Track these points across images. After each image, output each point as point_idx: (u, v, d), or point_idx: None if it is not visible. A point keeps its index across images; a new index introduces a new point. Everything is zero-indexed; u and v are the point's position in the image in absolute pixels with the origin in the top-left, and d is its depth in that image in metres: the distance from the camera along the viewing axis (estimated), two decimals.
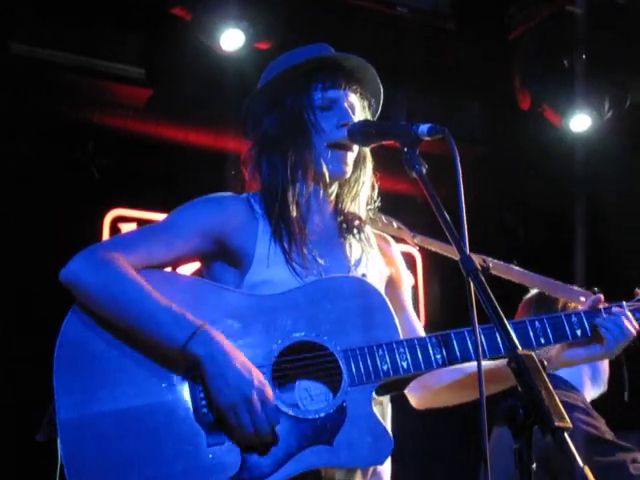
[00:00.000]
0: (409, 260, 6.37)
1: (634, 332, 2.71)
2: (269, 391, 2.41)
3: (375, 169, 2.83)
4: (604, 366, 3.88)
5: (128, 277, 2.49)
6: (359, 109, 2.75)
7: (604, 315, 2.72)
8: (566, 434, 1.80)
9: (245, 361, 2.43)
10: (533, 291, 3.80)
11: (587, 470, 1.75)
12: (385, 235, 2.92)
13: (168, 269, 2.72)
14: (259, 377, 2.42)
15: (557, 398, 1.85)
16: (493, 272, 2.85)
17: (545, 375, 1.88)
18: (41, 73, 5.30)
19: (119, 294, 2.47)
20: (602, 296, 2.82)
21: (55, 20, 5.20)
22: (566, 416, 1.82)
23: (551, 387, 1.87)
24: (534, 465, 1.87)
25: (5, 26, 5.07)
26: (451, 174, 2.23)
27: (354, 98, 2.75)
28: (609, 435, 3.63)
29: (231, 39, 5.05)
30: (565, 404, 3.52)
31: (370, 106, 2.81)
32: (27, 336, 4.80)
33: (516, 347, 1.93)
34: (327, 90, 2.72)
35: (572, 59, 5.58)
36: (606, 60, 5.64)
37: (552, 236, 6.42)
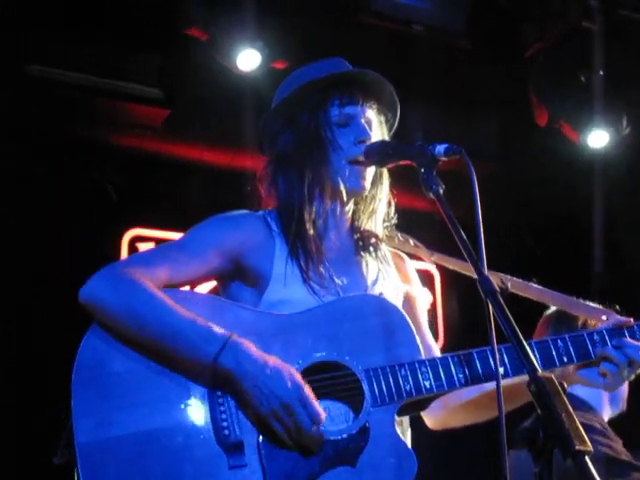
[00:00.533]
0: (427, 277, 6.36)
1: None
2: (307, 390, 2.40)
3: (392, 186, 2.83)
4: (624, 387, 3.85)
5: (150, 293, 2.47)
6: (376, 125, 2.74)
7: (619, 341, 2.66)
8: (587, 457, 1.78)
9: (277, 364, 2.41)
10: (552, 308, 3.78)
11: None
12: (400, 253, 2.91)
13: (186, 288, 2.72)
14: (295, 378, 2.40)
15: (577, 421, 1.83)
16: (512, 290, 2.83)
17: (565, 398, 1.87)
18: (58, 94, 5.32)
19: (142, 311, 2.45)
20: (632, 320, 2.78)
21: (72, 41, 5.23)
22: (587, 439, 1.80)
23: (571, 410, 1.85)
24: None
25: (22, 48, 5.10)
26: (468, 191, 2.23)
27: (371, 114, 2.74)
28: (625, 456, 3.60)
29: (247, 59, 5.06)
30: (582, 425, 3.51)
31: (387, 121, 2.80)
32: (45, 361, 4.80)
33: (536, 369, 1.92)
34: (344, 106, 2.71)
35: (589, 75, 5.56)
36: (623, 76, 5.62)
37: (570, 252, 6.39)
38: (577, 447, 1.79)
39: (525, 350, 1.95)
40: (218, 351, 2.39)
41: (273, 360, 2.42)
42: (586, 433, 3.46)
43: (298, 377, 2.41)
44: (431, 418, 2.80)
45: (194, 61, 5.30)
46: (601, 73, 5.54)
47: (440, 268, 6.40)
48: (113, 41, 5.26)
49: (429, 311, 6.65)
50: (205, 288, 4.16)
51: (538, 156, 6.23)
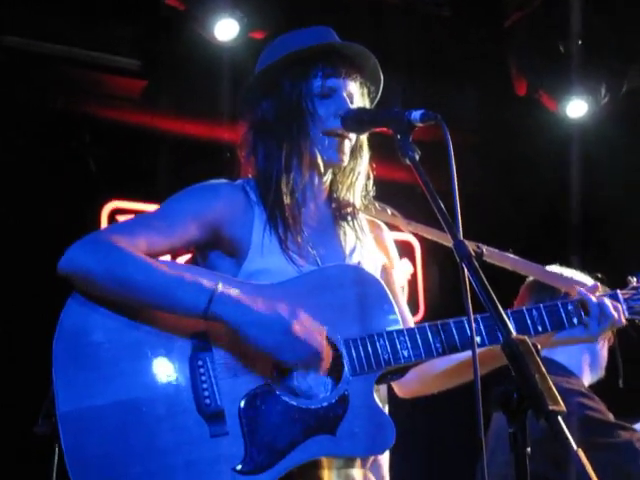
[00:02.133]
0: (407, 248, 6.37)
1: (616, 317, 2.71)
2: (302, 313, 2.43)
3: (372, 158, 2.82)
4: (603, 353, 3.89)
5: (133, 256, 2.47)
6: (358, 98, 2.74)
7: (585, 298, 2.73)
8: (560, 418, 1.80)
9: (268, 302, 2.43)
10: (532, 278, 3.80)
11: (581, 453, 1.75)
12: (378, 222, 2.91)
13: (167, 258, 2.71)
14: (284, 307, 2.43)
15: (551, 382, 1.84)
16: (488, 260, 2.84)
17: (539, 359, 1.88)
18: (36, 65, 5.29)
19: (128, 273, 2.44)
20: (598, 284, 2.82)
21: (49, 12, 5.19)
22: (560, 400, 1.82)
23: (545, 371, 1.86)
24: (529, 449, 1.88)
25: None
26: (447, 162, 2.23)
27: (353, 87, 2.73)
28: (611, 417, 3.64)
29: (225, 29, 5.04)
30: (566, 390, 3.56)
31: (369, 94, 2.80)
32: (22, 329, 4.79)
33: (510, 332, 1.93)
34: (327, 78, 2.69)
35: (568, 45, 5.56)
36: (602, 46, 5.62)
37: (548, 222, 6.42)
38: (550, 407, 1.79)
39: (499, 312, 1.96)
40: (209, 300, 2.40)
41: (261, 300, 2.44)
42: (570, 397, 3.55)
43: (286, 305, 2.44)
44: (402, 387, 2.82)
45: (172, 32, 5.27)
46: (580, 43, 5.54)
47: (420, 239, 6.46)
48: (90, 12, 5.21)
49: (409, 282, 6.71)
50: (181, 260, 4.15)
51: (517, 126, 6.24)
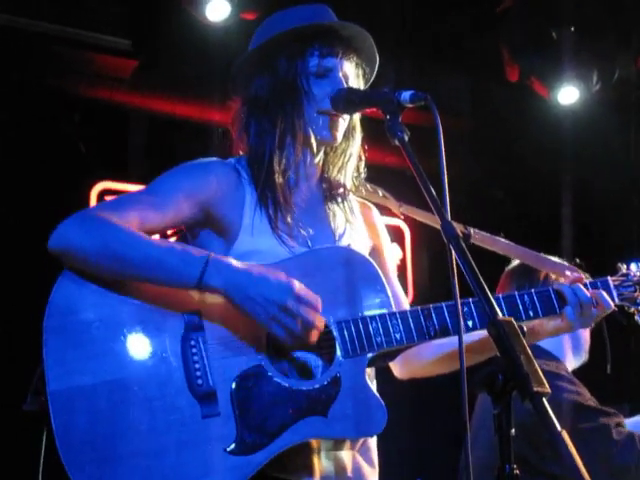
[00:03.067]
0: (397, 233, 6.37)
1: (594, 300, 2.68)
2: (297, 284, 2.41)
3: (364, 141, 2.81)
4: (585, 336, 3.91)
5: (125, 230, 2.45)
6: (353, 78, 2.72)
7: (569, 287, 2.69)
8: (544, 400, 1.80)
9: (261, 270, 2.42)
10: (515, 262, 3.81)
11: (565, 435, 1.75)
12: (368, 203, 2.91)
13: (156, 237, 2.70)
14: (281, 277, 2.41)
15: (536, 364, 1.85)
16: (479, 243, 2.84)
17: (525, 341, 1.88)
18: (25, 44, 5.24)
19: (120, 247, 2.42)
20: (582, 277, 2.81)
21: None
22: (545, 382, 1.82)
23: (530, 353, 1.86)
24: (513, 430, 1.88)
25: None
26: (437, 147, 2.22)
27: (349, 67, 2.71)
28: (592, 402, 3.66)
29: (217, 9, 5.00)
30: (548, 373, 3.57)
31: (364, 75, 2.78)
32: (12, 307, 4.77)
33: (496, 312, 1.93)
34: (324, 58, 2.68)
35: (560, 31, 5.56)
36: (594, 33, 5.62)
37: (539, 209, 6.43)
38: (535, 389, 1.79)
39: (485, 293, 1.96)
40: (202, 272, 2.39)
41: (256, 268, 2.43)
42: (553, 380, 3.56)
43: (283, 276, 2.43)
44: (400, 368, 2.83)
45: (163, 12, 5.24)
46: (572, 29, 5.53)
47: (411, 225, 6.45)
48: None
49: (398, 267, 6.70)
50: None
51: (508, 112, 6.24)
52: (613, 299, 2.73)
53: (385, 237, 2.90)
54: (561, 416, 3.45)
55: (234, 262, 2.43)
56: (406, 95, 2.37)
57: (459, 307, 2.06)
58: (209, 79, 4.73)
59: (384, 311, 2.56)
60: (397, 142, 2.32)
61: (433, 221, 2.79)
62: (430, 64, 5.95)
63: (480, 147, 6.48)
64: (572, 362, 3.87)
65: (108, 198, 5.46)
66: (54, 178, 5.28)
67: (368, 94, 2.59)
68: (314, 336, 2.42)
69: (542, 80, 5.75)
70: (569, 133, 5.90)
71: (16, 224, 5.08)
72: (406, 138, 2.32)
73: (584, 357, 3.91)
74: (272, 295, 2.38)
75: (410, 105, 2.37)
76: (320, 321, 2.43)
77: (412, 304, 2.85)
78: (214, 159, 2.72)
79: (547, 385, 1.82)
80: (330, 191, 2.77)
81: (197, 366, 2.42)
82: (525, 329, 1.91)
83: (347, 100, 2.62)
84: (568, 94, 5.80)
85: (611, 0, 5.55)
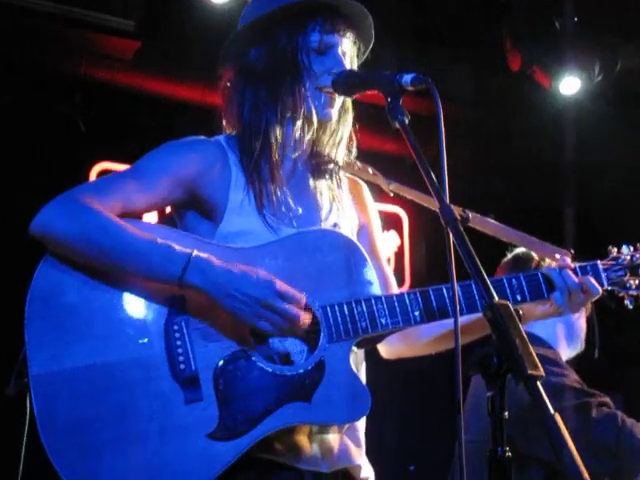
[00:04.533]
0: (395, 220, 6.39)
1: (582, 285, 2.65)
2: (278, 282, 2.39)
3: (363, 129, 2.79)
4: (580, 325, 3.92)
5: (106, 218, 2.43)
6: (350, 57, 2.70)
7: (557, 272, 2.67)
8: (539, 383, 1.81)
9: (243, 268, 2.40)
10: (509, 255, 3.84)
11: (557, 417, 1.76)
12: (358, 180, 2.87)
13: (145, 219, 2.68)
14: (262, 274, 2.40)
15: (531, 347, 1.85)
16: (470, 224, 2.82)
17: (520, 324, 1.88)
18: (28, 23, 5.22)
19: (100, 236, 2.40)
20: (568, 257, 2.80)
21: None
22: (539, 365, 1.82)
23: (525, 336, 1.87)
24: (506, 413, 1.88)
25: None
26: (438, 135, 2.21)
27: (348, 45, 2.70)
28: (578, 384, 3.67)
29: None
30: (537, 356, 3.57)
31: (360, 54, 2.77)
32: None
33: (492, 296, 1.93)
34: (326, 34, 2.64)
35: (563, 21, 5.55)
36: (597, 23, 5.61)
37: (540, 198, 6.43)
38: (529, 372, 1.80)
39: (482, 276, 1.96)
40: (183, 269, 2.37)
41: (237, 266, 2.41)
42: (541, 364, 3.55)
43: (264, 273, 2.41)
44: (387, 348, 2.82)
45: None
46: (575, 19, 5.52)
47: (408, 211, 6.44)
48: None
49: (395, 254, 6.70)
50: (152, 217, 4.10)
51: (510, 101, 6.23)
52: (602, 284, 2.69)
53: (375, 216, 2.87)
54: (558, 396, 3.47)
55: (216, 260, 2.41)
56: (407, 78, 2.35)
57: (455, 289, 2.06)
58: (212, 61, 4.71)
59: (370, 295, 2.53)
60: (397, 125, 2.31)
61: (424, 200, 2.78)
62: (432, 52, 5.94)
63: (481, 136, 6.48)
64: (567, 350, 3.88)
65: None
66: (54, 158, 5.28)
67: (369, 76, 2.56)
68: (300, 331, 2.43)
69: (544, 70, 5.75)
70: (570, 123, 5.90)
71: (15, 204, 5.07)
72: (406, 121, 2.31)
73: (579, 346, 3.92)
74: (254, 292, 2.37)
75: (411, 88, 2.35)
76: (306, 316, 2.42)
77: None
78: (200, 137, 2.68)
79: (541, 368, 1.82)
80: (319, 166, 2.74)
81: (180, 351, 2.40)
82: (521, 312, 1.92)
83: (348, 82, 2.59)
84: (570, 84, 5.80)
85: None
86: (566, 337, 3.87)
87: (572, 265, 2.71)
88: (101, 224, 2.42)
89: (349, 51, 2.70)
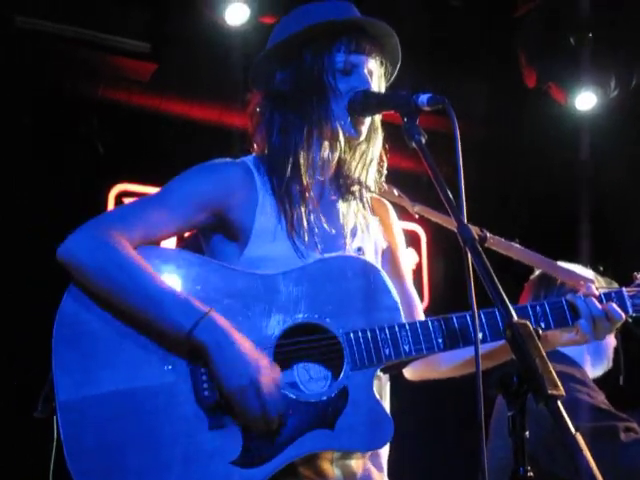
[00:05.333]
0: (413, 238, 6.38)
1: (605, 312, 2.64)
2: (276, 375, 2.40)
3: (384, 145, 2.79)
4: (607, 342, 3.88)
5: (128, 258, 2.44)
6: (377, 76, 2.71)
7: (582, 300, 2.66)
8: (559, 402, 1.80)
9: (251, 346, 2.40)
10: (535, 273, 3.82)
11: (579, 438, 1.75)
12: (384, 201, 2.88)
13: (169, 244, 2.69)
14: (265, 362, 2.40)
15: (551, 366, 1.85)
16: (494, 248, 2.83)
17: (540, 343, 1.88)
18: (46, 46, 5.28)
19: (119, 277, 2.42)
20: (593, 283, 2.79)
21: None
22: (559, 384, 1.82)
23: (545, 355, 1.87)
24: (527, 433, 1.88)
25: None
26: (454, 153, 2.22)
27: (374, 65, 2.70)
28: (604, 405, 3.64)
29: (236, 13, 5.04)
30: (561, 374, 3.55)
31: (386, 74, 2.77)
32: (26, 314, 4.77)
33: (511, 315, 1.93)
34: (350, 54, 2.65)
35: (578, 37, 5.54)
36: (612, 38, 5.59)
37: (556, 216, 6.41)
38: (550, 391, 1.79)
39: (501, 295, 1.96)
40: (194, 324, 2.37)
41: (247, 341, 2.41)
42: (564, 382, 3.51)
43: (268, 362, 2.41)
44: (411, 371, 2.81)
45: (183, 15, 5.26)
46: (590, 35, 5.52)
47: (427, 229, 6.44)
48: None
49: (414, 271, 6.69)
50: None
51: (526, 119, 6.22)
52: (627, 311, 2.69)
53: (400, 238, 2.88)
54: (570, 416, 3.44)
55: (231, 328, 2.40)
56: (424, 98, 2.37)
57: (475, 309, 2.05)
58: (228, 82, 4.74)
59: (393, 322, 2.53)
60: (414, 145, 2.32)
61: (447, 222, 2.79)
62: (447, 69, 5.95)
63: (497, 153, 6.47)
64: (593, 368, 3.83)
65: (126, 200, 5.52)
66: (73, 180, 5.32)
67: (385, 96, 2.58)
68: (262, 426, 2.39)
69: (560, 86, 5.73)
70: (587, 139, 5.88)
71: (35, 227, 5.11)
72: (423, 141, 2.31)
73: (607, 363, 3.88)
74: (250, 370, 2.36)
75: (427, 108, 2.37)
76: (274, 422, 2.39)
77: (427, 309, 2.86)
78: (226, 160, 2.69)
79: (562, 388, 1.82)
80: (346, 188, 2.74)
81: (204, 377, 2.42)
82: (540, 332, 1.91)
83: (364, 103, 2.61)
84: (586, 100, 5.77)
85: (629, 6, 5.54)
86: (592, 354, 3.84)
87: (597, 293, 2.70)
88: (122, 264, 2.44)
89: (376, 70, 2.71)
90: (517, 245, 2.95)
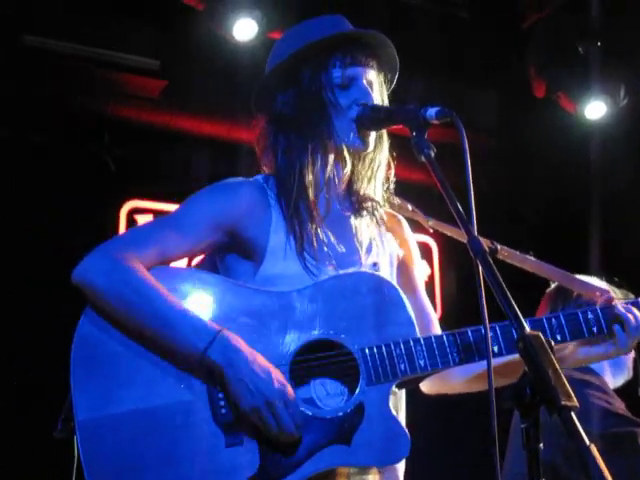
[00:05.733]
0: (425, 250, 6.37)
1: None
2: (291, 392, 2.40)
3: (391, 153, 2.78)
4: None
5: (141, 281, 2.45)
6: (377, 86, 2.70)
7: (617, 311, 2.67)
8: (573, 413, 1.79)
9: (265, 364, 2.40)
10: (552, 285, 3.80)
11: (593, 448, 1.74)
12: (398, 215, 2.86)
13: (182, 263, 2.69)
14: (280, 379, 2.40)
15: (564, 378, 1.84)
16: (508, 260, 2.82)
17: (553, 355, 1.87)
18: (55, 65, 5.31)
19: (133, 299, 2.43)
20: (613, 296, 2.79)
21: (69, 12, 5.22)
22: (573, 395, 1.81)
23: (558, 366, 1.86)
24: (541, 445, 1.87)
25: (20, 18, 5.08)
26: (463, 163, 2.22)
27: (372, 74, 2.69)
28: (622, 411, 3.62)
29: (244, 29, 5.06)
30: (579, 382, 3.54)
31: (387, 81, 2.76)
32: (41, 331, 4.80)
33: (523, 327, 1.92)
34: (347, 68, 2.65)
35: (587, 46, 5.55)
36: (621, 47, 5.60)
37: (567, 225, 6.40)
38: (563, 402, 1.78)
39: (513, 308, 1.95)
40: (207, 344, 2.38)
41: (261, 359, 2.41)
42: (582, 388, 3.53)
43: (283, 378, 2.41)
44: (427, 385, 2.81)
45: (191, 31, 5.28)
46: (599, 44, 5.52)
47: (438, 241, 6.43)
48: (110, 11, 5.25)
49: (426, 283, 6.68)
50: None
51: (535, 128, 6.22)
52: None
53: (416, 252, 2.87)
54: (589, 422, 3.43)
55: (244, 346, 2.41)
56: (432, 111, 2.35)
57: (486, 324, 2.05)
58: (237, 98, 4.75)
59: (408, 337, 2.52)
60: (423, 159, 2.31)
61: (461, 236, 2.78)
62: (456, 81, 5.95)
63: (506, 164, 6.47)
64: (613, 378, 3.81)
65: (137, 216, 5.53)
66: (84, 197, 5.33)
67: (393, 110, 2.57)
68: (283, 443, 2.39)
69: (569, 95, 5.73)
70: (597, 148, 5.88)
71: (47, 244, 5.13)
72: (432, 154, 2.31)
73: (627, 374, 3.86)
74: (265, 388, 2.36)
75: (436, 121, 2.36)
76: (292, 437, 2.39)
77: (440, 320, 2.84)
78: (240, 180, 2.69)
79: (575, 399, 1.81)
80: (359, 203, 2.73)
81: (220, 395, 2.42)
82: (553, 343, 1.90)
83: (372, 117, 2.60)
84: (595, 109, 5.77)
85: (637, 15, 5.54)
86: (612, 365, 3.82)
87: (614, 300, 2.71)
88: (136, 286, 2.45)
89: (375, 80, 2.70)
90: (532, 257, 2.94)
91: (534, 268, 2.95)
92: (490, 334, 2.52)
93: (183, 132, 5.75)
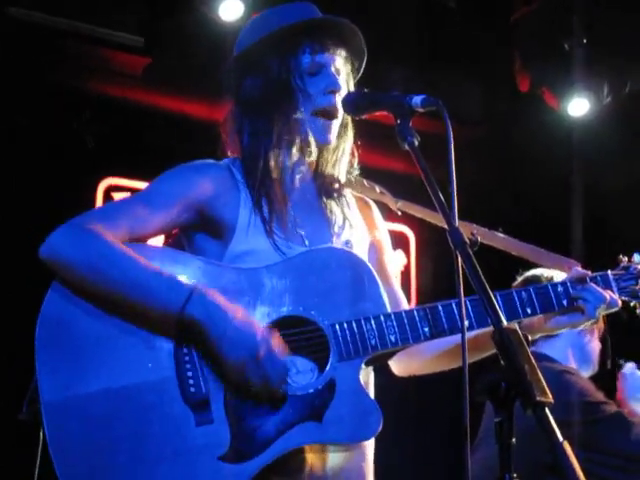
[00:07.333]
0: (402, 239, 6.37)
1: (608, 298, 2.65)
2: (276, 342, 2.39)
3: (370, 148, 2.79)
4: (592, 346, 3.90)
5: (111, 246, 2.44)
6: (345, 74, 2.71)
7: (582, 285, 2.67)
8: (547, 409, 1.79)
9: (246, 315, 2.40)
10: (519, 278, 3.82)
11: (566, 445, 1.74)
12: (366, 199, 2.87)
13: (152, 242, 2.68)
14: (262, 330, 2.39)
15: (540, 373, 1.84)
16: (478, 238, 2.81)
17: (529, 350, 1.87)
18: (38, 38, 5.26)
19: (104, 264, 2.41)
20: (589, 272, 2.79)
21: None
22: (548, 391, 1.81)
23: (534, 362, 1.86)
24: (514, 440, 1.86)
25: None
26: (446, 154, 2.21)
27: (340, 62, 2.71)
28: (600, 395, 3.66)
29: (230, 9, 5.03)
30: (552, 369, 3.57)
31: (354, 70, 2.77)
32: (9, 312, 4.75)
33: (500, 320, 1.92)
34: (315, 54, 2.66)
35: (572, 43, 5.56)
36: (606, 45, 5.61)
37: (549, 219, 6.41)
38: (538, 398, 1.78)
39: (491, 301, 1.95)
40: (185, 300, 2.37)
41: (242, 312, 2.41)
42: (558, 375, 3.55)
43: (267, 330, 2.41)
44: (398, 365, 2.80)
45: (177, 10, 5.25)
46: (584, 41, 5.53)
47: (415, 230, 6.42)
48: None
49: (402, 273, 6.68)
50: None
51: (519, 122, 6.23)
52: (615, 293, 2.69)
53: (385, 235, 2.87)
54: (571, 410, 3.45)
55: (219, 297, 2.41)
56: (418, 99, 2.34)
57: (463, 311, 2.05)
58: (221, 79, 4.72)
59: (379, 312, 2.52)
60: (407, 146, 2.30)
61: (431, 217, 2.78)
62: (441, 71, 5.94)
63: (489, 156, 6.48)
64: (580, 371, 3.86)
65: (114, 194, 5.49)
66: (61, 174, 5.29)
67: (379, 97, 2.55)
68: (272, 396, 2.40)
69: (553, 91, 5.75)
70: (579, 145, 5.89)
71: (22, 220, 5.08)
72: (416, 143, 2.29)
73: (592, 368, 3.89)
74: (249, 341, 2.36)
75: (421, 110, 2.35)
76: (277, 392, 2.40)
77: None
78: (209, 161, 2.70)
79: (550, 394, 1.81)
80: (325, 186, 2.74)
81: (190, 374, 2.40)
82: (530, 338, 1.91)
83: (358, 102, 2.60)
84: (578, 106, 5.80)
85: (623, 12, 5.55)
86: (578, 360, 3.85)
87: (587, 272, 2.71)
88: (106, 252, 2.43)
89: (343, 68, 2.71)
90: (500, 234, 2.93)
91: (503, 245, 2.94)
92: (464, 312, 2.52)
93: (165, 111, 5.71)
